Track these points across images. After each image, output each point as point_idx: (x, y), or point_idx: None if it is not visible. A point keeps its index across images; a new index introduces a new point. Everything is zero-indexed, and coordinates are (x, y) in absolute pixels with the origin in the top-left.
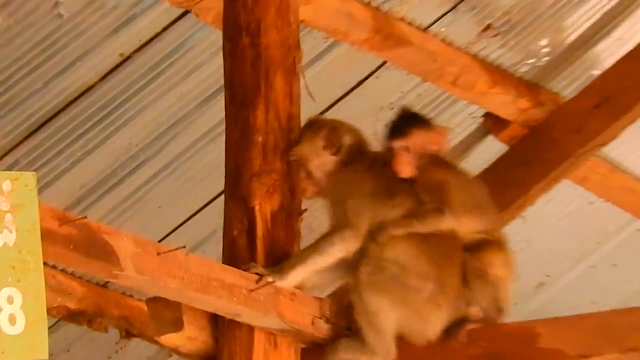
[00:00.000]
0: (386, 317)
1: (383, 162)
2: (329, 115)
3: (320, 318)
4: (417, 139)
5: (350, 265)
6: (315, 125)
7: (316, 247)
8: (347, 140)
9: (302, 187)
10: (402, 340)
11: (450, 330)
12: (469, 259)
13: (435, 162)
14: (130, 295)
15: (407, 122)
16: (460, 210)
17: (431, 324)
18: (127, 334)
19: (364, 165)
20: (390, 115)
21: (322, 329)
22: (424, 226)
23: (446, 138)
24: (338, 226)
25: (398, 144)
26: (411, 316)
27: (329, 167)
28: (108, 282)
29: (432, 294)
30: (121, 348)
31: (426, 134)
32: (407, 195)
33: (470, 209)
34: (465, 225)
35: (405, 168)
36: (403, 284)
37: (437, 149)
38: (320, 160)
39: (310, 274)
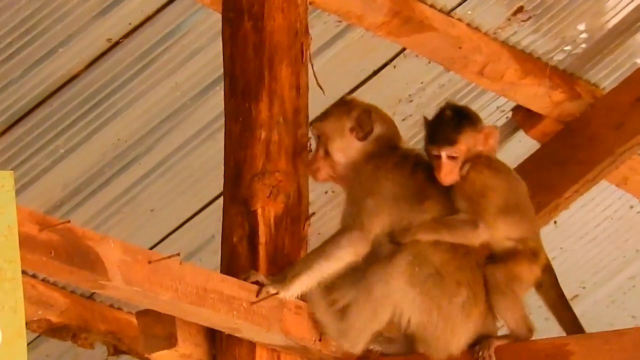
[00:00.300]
0: (402, 312)
1: (415, 162)
2: None
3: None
4: (466, 144)
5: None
6: (348, 104)
7: (322, 251)
8: (379, 128)
9: (316, 166)
10: (421, 355)
11: (476, 347)
12: (491, 272)
13: (478, 162)
14: (119, 308)
15: (454, 124)
16: (496, 216)
17: (457, 336)
18: (115, 351)
19: (392, 161)
20: (428, 112)
21: (331, 346)
22: (452, 237)
23: (495, 139)
24: (347, 227)
25: (446, 152)
26: (439, 321)
27: (351, 153)
28: (94, 293)
29: (465, 303)
30: None
31: (475, 135)
32: (438, 200)
33: (508, 213)
34: (500, 230)
35: (451, 177)
36: (439, 283)
37: (484, 150)
38: (343, 143)
39: (317, 282)
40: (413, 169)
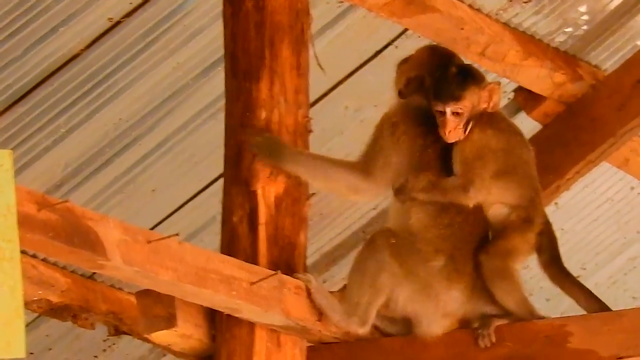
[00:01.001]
0: (392, 284)
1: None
2: (341, 89)
3: None
4: (470, 101)
5: None
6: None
7: (326, 161)
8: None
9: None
10: (416, 339)
11: (476, 325)
12: (485, 257)
13: (482, 121)
14: (120, 288)
15: (459, 81)
16: (490, 180)
17: (442, 304)
18: (116, 331)
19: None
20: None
21: (331, 326)
22: (444, 199)
23: (499, 95)
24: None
25: (450, 108)
26: (421, 290)
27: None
28: (95, 273)
29: (444, 267)
30: (109, 346)
31: (479, 92)
32: (437, 162)
33: (504, 176)
34: (493, 194)
35: (455, 133)
36: (415, 250)
37: (488, 107)
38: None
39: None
40: (425, 129)
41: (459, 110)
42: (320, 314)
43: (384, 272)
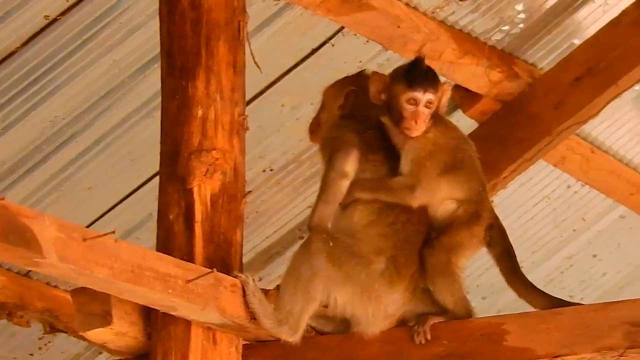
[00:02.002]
0: (329, 289)
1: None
2: (277, 87)
3: None
4: (439, 95)
5: None
6: (357, 76)
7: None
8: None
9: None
10: (354, 337)
11: (412, 323)
12: (429, 252)
13: (436, 119)
14: (55, 286)
15: (433, 73)
16: (439, 177)
17: (383, 306)
18: (52, 329)
19: (352, 126)
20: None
21: None
22: (390, 198)
23: (448, 95)
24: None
25: (427, 97)
26: (362, 293)
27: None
28: (30, 271)
29: (385, 270)
30: (45, 344)
31: (442, 89)
32: (383, 161)
33: (452, 171)
34: (443, 191)
35: (422, 127)
36: (355, 253)
37: (439, 107)
38: (330, 115)
39: None
40: (367, 130)
41: (432, 101)
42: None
43: (317, 279)
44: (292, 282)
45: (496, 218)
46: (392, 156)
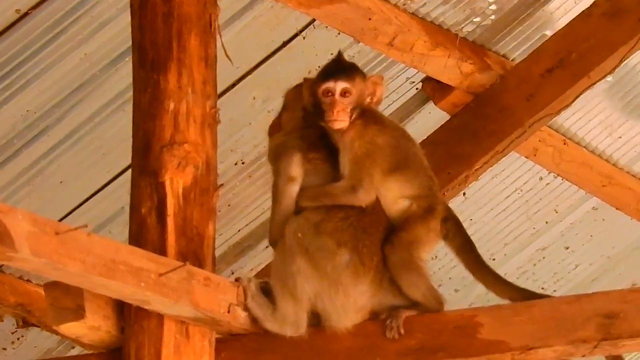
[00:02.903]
0: (304, 283)
1: (317, 131)
2: (249, 80)
3: (238, 305)
4: (359, 86)
5: None
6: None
7: None
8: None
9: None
10: (326, 331)
11: (384, 317)
12: (389, 250)
13: (367, 117)
14: (28, 280)
15: (349, 64)
16: (381, 178)
17: (352, 299)
18: (25, 323)
19: (297, 134)
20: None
21: (240, 318)
22: (334, 202)
23: (382, 89)
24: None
25: (340, 86)
26: (330, 286)
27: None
28: (3, 265)
29: (350, 262)
30: (18, 338)
31: (365, 82)
32: (326, 163)
33: (398, 170)
34: (393, 190)
35: (342, 118)
36: (320, 246)
37: (372, 101)
38: (291, 116)
39: None
40: (312, 134)
41: (348, 91)
42: (228, 306)
43: (299, 279)
44: (278, 283)
45: (449, 210)
46: (333, 154)
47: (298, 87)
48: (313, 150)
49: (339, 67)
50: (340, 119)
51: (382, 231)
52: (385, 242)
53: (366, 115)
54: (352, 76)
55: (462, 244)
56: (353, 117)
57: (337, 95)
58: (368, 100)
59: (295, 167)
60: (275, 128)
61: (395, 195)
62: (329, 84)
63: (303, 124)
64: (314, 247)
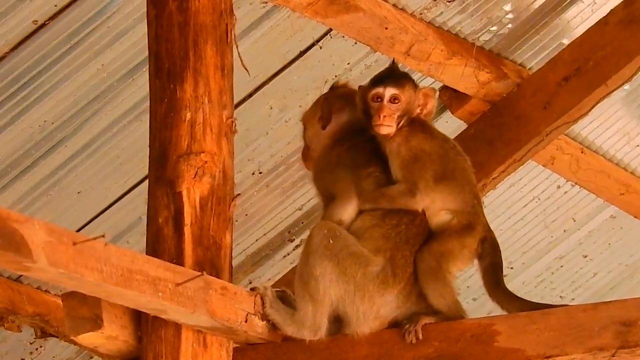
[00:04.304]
0: (327, 286)
1: (368, 137)
2: (265, 89)
3: (255, 315)
4: (408, 94)
5: None
6: (331, 90)
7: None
8: (342, 115)
9: (303, 157)
10: (343, 338)
11: (402, 325)
12: (420, 256)
13: (414, 126)
14: (46, 291)
15: (400, 72)
16: (432, 185)
17: (375, 307)
18: (43, 333)
19: (347, 144)
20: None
21: (257, 327)
22: (392, 206)
23: (433, 102)
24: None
25: (389, 92)
26: (355, 292)
27: (319, 141)
28: (21, 275)
29: (381, 271)
30: (37, 349)
31: (414, 93)
32: (381, 169)
33: (443, 181)
34: (437, 200)
35: (389, 123)
36: (353, 252)
37: (422, 112)
38: (313, 132)
39: None
40: (363, 145)
41: (397, 97)
42: (246, 315)
43: (322, 282)
44: (300, 285)
45: (490, 231)
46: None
47: (314, 106)
48: (370, 163)
49: (391, 75)
50: (386, 124)
51: (421, 243)
52: (417, 251)
53: (415, 124)
54: (402, 84)
55: (491, 265)
56: (401, 125)
57: (385, 101)
58: (418, 110)
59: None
60: (305, 153)
61: (438, 207)
62: (379, 89)
63: (340, 132)
64: (346, 254)
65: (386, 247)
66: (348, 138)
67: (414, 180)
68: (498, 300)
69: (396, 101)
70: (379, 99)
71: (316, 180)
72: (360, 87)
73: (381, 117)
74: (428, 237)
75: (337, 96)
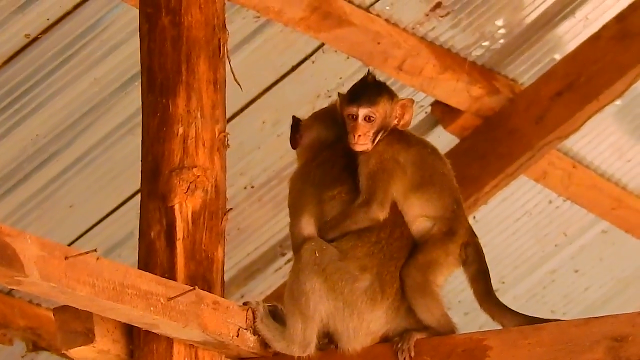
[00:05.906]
0: (317, 302)
1: (340, 154)
2: (258, 104)
3: (247, 329)
4: (383, 109)
5: None
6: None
7: None
8: (311, 133)
9: None
10: (334, 353)
11: (394, 342)
12: (406, 272)
13: (391, 136)
14: (38, 304)
15: (374, 87)
16: (405, 190)
17: (365, 324)
18: (35, 347)
19: (316, 163)
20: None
21: (249, 341)
22: (356, 225)
23: (411, 113)
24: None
25: (363, 112)
26: (344, 308)
27: (298, 160)
28: (12, 289)
29: (369, 287)
30: None
31: (391, 105)
32: (350, 186)
33: (421, 188)
34: (414, 207)
35: (364, 140)
36: (340, 268)
37: (399, 124)
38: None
39: None
40: (334, 161)
41: (372, 115)
42: (237, 329)
43: (312, 298)
44: (289, 301)
45: (473, 236)
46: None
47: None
48: (336, 184)
49: (364, 91)
50: (361, 143)
51: (406, 256)
52: (403, 265)
53: (392, 134)
54: (376, 102)
55: (477, 272)
56: (377, 139)
57: (360, 120)
58: (395, 122)
59: (307, 228)
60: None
61: (415, 214)
62: (352, 109)
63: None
64: (333, 269)
65: (372, 264)
66: (320, 153)
67: (374, 189)
68: (489, 311)
69: (371, 119)
70: (354, 117)
71: (288, 196)
72: (339, 94)
73: (356, 136)
74: (412, 249)
75: (309, 117)
